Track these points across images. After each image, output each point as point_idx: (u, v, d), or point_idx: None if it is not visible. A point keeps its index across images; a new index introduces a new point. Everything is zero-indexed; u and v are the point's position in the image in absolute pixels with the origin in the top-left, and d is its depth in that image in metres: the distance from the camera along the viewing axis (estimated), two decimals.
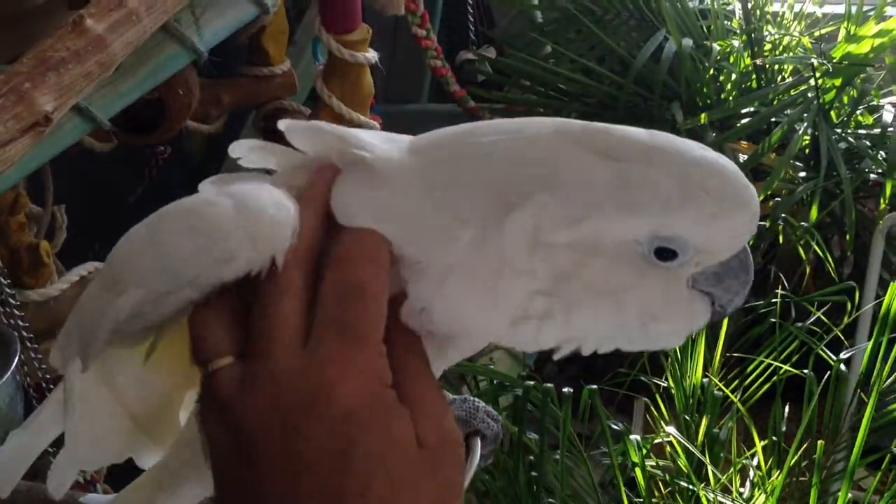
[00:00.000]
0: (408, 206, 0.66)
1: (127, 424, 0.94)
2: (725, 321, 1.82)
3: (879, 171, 2.87)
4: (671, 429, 1.58)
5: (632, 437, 1.53)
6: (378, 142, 0.69)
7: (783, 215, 2.26)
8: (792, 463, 1.54)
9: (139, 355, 0.77)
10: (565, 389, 1.59)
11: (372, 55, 2.08)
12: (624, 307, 0.65)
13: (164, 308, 0.69)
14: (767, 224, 2.58)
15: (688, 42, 3.03)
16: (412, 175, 0.67)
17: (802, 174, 2.99)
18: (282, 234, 0.65)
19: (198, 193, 0.72)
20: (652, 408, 1.83)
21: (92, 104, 1.60)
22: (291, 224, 0.65)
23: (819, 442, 1.42)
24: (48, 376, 1.71)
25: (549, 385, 1.66)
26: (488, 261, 0.64)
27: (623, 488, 1.57)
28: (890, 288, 1.59)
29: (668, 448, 1.67)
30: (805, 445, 1.55)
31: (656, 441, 1.75)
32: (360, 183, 0.68)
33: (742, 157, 3.00)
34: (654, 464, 1.59)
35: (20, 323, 1.60)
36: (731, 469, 1.62)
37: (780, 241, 2.39)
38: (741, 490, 1.68)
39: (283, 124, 0.72)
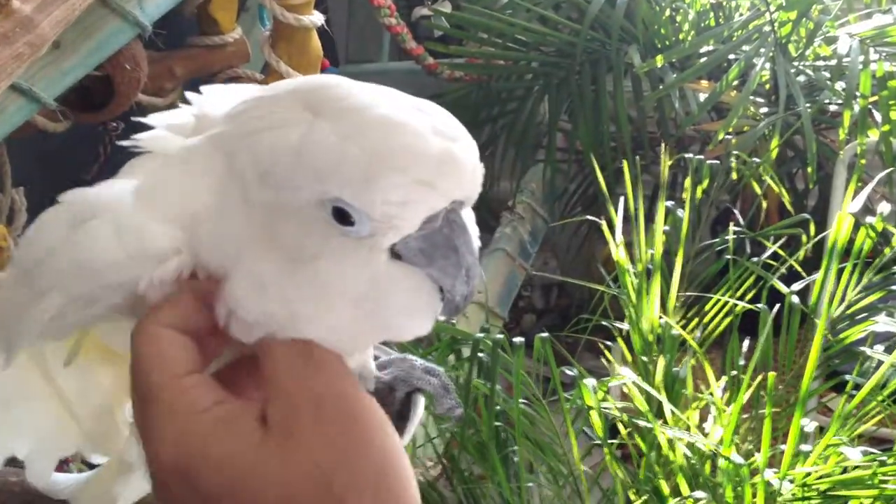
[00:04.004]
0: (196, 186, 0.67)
1: (73, 429, 0.96)
2: (680, 256, 1.83)
3: (839, 101, 2.88)
4: (626, 370, 1.60)
5: (586, 381, 1.55)
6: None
7: (735, 152, 2.27)
8: (747, 395, 1.57)
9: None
10: (516, 340, 1.61)
11: (317, 18, 2.07)
12: (322, 278, 0.62)
13: (90, 312, 0.69)
14: (732, 162, 2.60)
15: None
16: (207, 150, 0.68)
17: (764, 110, 3.00)
18: None
19: (108, 188, 0.72)
20: (607, 353, 1.85)
21: (36, 84, 1.60)
22: None
23: (770, 374, 1.44)
24: None
25: (500, 336, 1.68)
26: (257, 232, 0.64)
27: (574, 431, 1.60)
28: (837, 219, 1.61)
29: (632, 389, 1.70)
30: (760, 378, 1.58)
31: (622, 383, 1.77)
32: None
33: (702, 97, 3.01)
34: (610, 406, 1.62)
35: None
36: (689, 408, 1.65)
37: (735, 177, 2.40)
38: (703, 426, 1.71)
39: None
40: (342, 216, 0.60)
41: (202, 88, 0.79)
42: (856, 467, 1.49)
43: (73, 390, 0.87)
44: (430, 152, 0.60)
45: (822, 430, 1.70)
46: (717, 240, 1.97)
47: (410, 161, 0.59)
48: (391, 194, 0.59)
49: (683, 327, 1.80)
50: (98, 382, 0.88)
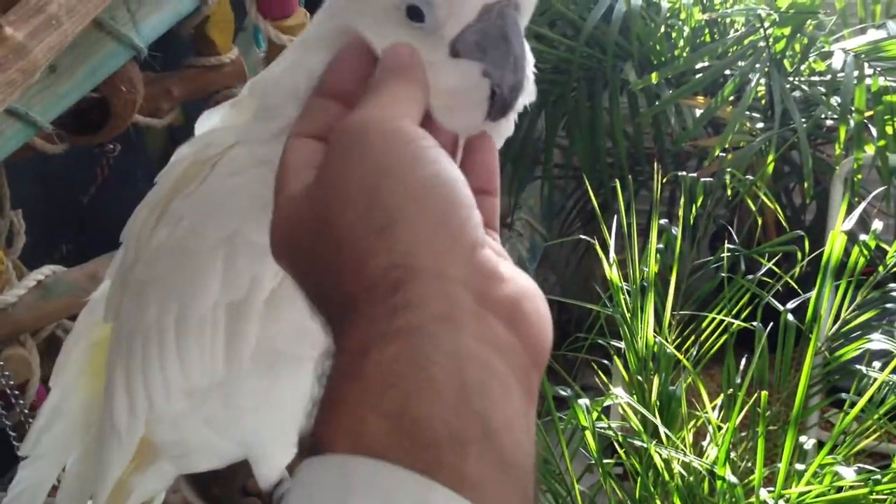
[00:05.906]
0: None
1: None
2: (674, 274, 1.83)
3: (834, 116, 2.89)
4: (619, 390, 1.60)
5: (580, 401, 1.55)
6: None
7: (729, 169, 2.27)
8: (741, 414, 1.57)
9: None
10: None
11: None
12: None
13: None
14: (727, 180, 2.60)
15: (637, 1, 3.02)
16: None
17: (760, 125, 3.01)
18: None
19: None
20: (599, 372, 1.85)
21: (32, 108, 1.60)
22: None
23: (763, 393, 1.44)
24: (11, 383, 1.72)
25: None
26: None
27: (570, 451, 1.60)
28: (831, 236, 1.61)
29: (626, 409, 1.70)
30: (755, 396, 1.58)
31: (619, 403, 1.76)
32: None
33: (698, 112, 3.01)
34: (605, 425, 1.61)
35: None
36: (685, 427, 1.64)
37: (729, 193, 2.41)
38: (703, 445, 1.71)
39: None
40: (413, 13, 0.68)
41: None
42: (851, 486, 1.48)
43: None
44: None
45: (822, 446, 1.70)
46: (711, 258, 1.97)
47: None
48: None
49: (680, 345, 1.80)
50: None
